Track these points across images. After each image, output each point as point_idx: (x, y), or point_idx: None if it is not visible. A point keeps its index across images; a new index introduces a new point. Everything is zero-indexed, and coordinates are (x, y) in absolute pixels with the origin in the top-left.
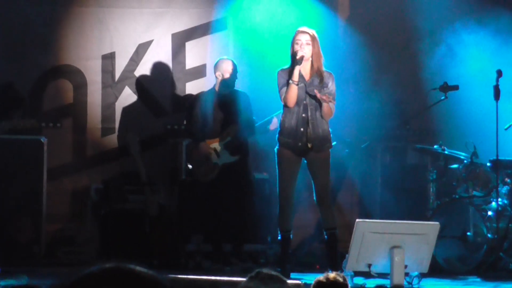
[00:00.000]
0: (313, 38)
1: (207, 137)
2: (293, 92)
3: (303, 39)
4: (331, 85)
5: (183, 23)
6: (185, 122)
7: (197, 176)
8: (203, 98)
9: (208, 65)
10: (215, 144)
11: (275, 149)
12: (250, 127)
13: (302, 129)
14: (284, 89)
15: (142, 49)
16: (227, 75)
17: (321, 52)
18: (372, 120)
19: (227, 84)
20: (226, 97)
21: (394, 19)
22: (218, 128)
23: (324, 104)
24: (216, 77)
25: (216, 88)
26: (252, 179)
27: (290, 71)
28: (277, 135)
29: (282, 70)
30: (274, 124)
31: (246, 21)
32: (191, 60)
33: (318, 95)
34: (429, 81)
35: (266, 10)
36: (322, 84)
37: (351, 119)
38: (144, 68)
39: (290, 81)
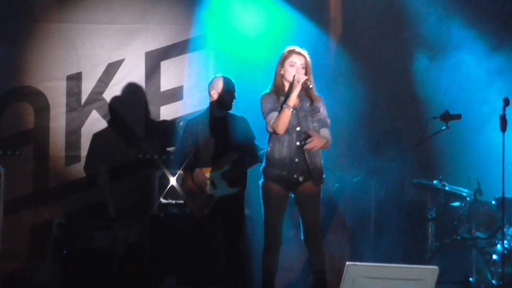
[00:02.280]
0: (307, 61)
1: (204, 166)
2: (286, 118)
3: (298, 61)
4: (322, 110)
5: (158, 41)
6: (173, 149)
7: (190, 210)
8: (195, 121)
9: (185, 87)
10: (211, 173)
11: (260, 183)
12: (251, 154)
13: (297, 159)
14: (273, 114)
15: (112, 69)
16: (224, 95)
17: (311, 77)
18: (365, 151)
19: (224, 106)
20: (222, 121)
21: (390, 38)
22: (213, 155)
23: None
24: (210, 96)
25: (211, 110)
26: (245, 216)
27: (286, 96)
28: (262, 167)
29: (267, 94)
30: None
31: (228, 39)
32: (167, 81)
33: (312, 144)
34: (429, 108)
35: (250, 27)
36: (312, 107)
37: (341, 149)
38: (114, 90)
39: (285, 106)
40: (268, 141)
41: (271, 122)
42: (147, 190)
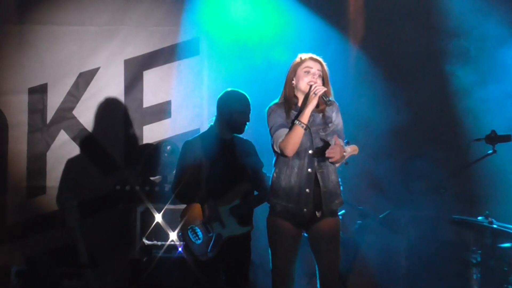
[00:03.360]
0: (324, 69)
1: (202, 199)
2: (298, 137)
3: (314, 67)
4: (336, 117)
5: (140, 46)
6: (158, 178)
7: (195, 252)
8: (197, 143)
9: (173, 103)
10: (220, 209)
11: (267, 220)
12: (261, 186)
13: (307, 190)
14: (282, 131)
15: (84, 80)
16: (237, 115)
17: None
18: (394, 180)
19: (235, 128)
20: (230, 145)
21: (422, 42)
22: (221, 186)
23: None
24: (220, 115)
25: (218, 131)
26: (252, 261)
27: (299, 110)
28: (269, 199)
29: (276, 105)
30: None
31: (226, 44)
32: (151, 95)
33: (333, 152)
34: (471, 128)
35: (255, 31)
36: (325, 119)
37: (364, 178)
38: (87, 106)
39: (297, 122)
40: (274, 165)
41: (279, 141)
42: (126, 229)
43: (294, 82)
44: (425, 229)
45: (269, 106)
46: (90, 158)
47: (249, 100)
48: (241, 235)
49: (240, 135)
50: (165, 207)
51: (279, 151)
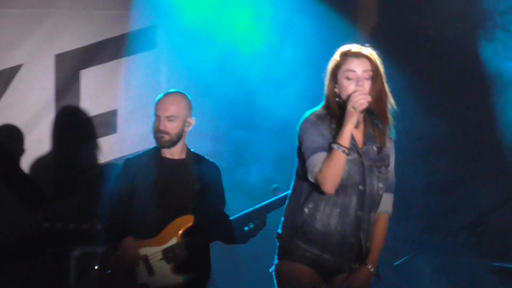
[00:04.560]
0: (377, 66)
1: (138, 236)
2: (340, 165)
3: (360, 68)
4: (393, 160)
5: (76, 36)
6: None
7: None
8: (137, 161)
9: (121, 113)
10: (149, 249)
11: (277, 265)
12: (216, 225)
13: (353, 239)
14: (320, 156)
15: (0, 81)
16: (170, 124)
17: (387, 89)
18: (415, 215)
19: (170, 141)
20: (176, 165)
21: (452, 30)
22: (155, 221)
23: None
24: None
25: (162, 151)
26: None
27: (336, 127)
28: (281, 235)
29: (317, 115)
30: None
31: (191, 34)
32: (91, 103)
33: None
34: None
35: (227, 13)
36: (381, 154)
37: None
38: (3, 116)
39: (335, 146)
40: (298, 198)
41: (315, 170)
42: (58, 278)
43: (337, 90)
44: (457, 281)
45: (306, 115)
46: (9, 187)
47: (184, 101)
48: (182, 284)
49: (203, 156)
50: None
51: (315, 182)
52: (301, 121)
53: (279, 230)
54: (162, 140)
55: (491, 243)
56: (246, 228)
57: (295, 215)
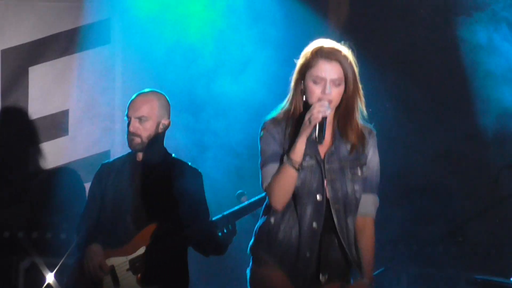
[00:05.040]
0: (349, 69)
1: (108, 246)
2: (289, 182)
3: (329, 73)
4: (372, 157)
5: (24, 30)
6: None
7: None
8: (111, 166)
9: (73, 113)
10: (116, 260)
11: (249, 271)
12: (200, 224)
13: (308, 253)
14: (269, 168)
15: None
16: (141, 126)
17: (360, 93)
18: (391, 223)
19: (141, 144)
20: (153, 171)
21: (421, 24)
22: (124, 229)
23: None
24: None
25: (137, 155)
26: None
27: (291, 137)
28: (251, 244)
29: (272, 121)
30: None
31: (148, 28)
32: (40, 102)
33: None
34: (502, 148)
35: (188, 4)
36: (354, 153)
37: None
38: None
39: (287, 160)
40: (269, 207)
41: (264, 184)
42: None
43: (302, 87)
44: None
45: (262, 122)
46: None
47: (149, 101)
48: None
49: (182, 160)
50: (61, 263)
51: (266, 194)
52: (260, 125)
53: (252, 239)
54: (133, 143)
55: (471, 253)
56: (220, 234)
57: (263, 223)
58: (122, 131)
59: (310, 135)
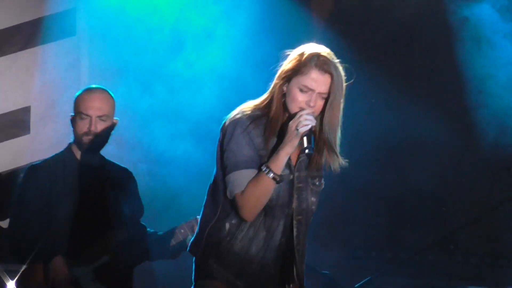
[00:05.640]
0: (336, 86)
1: (63, 254)
2: (265, 193)
3: (319, 86)
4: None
5: None
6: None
7: None
8: (46, 168)
9: (35, 110)
10: (79, 270)
11: (193, 281)
12: (138, 240)
13: (273, 270)
14: (245, 174)
15: None
16: (101, 125)
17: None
18: (377, 230)
19: (98, 144)
20: (97, 173)
21: (411, 14)
22: (80, 236)
23: None
24: (74, 129)
25: (76, 153)
26: None
27: (268, 141)
28: (197, 255)
29: (250, 118)
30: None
31: (117, 20)
32: (0, 98)
33: None
34: (499, 148)
35: None
36: (318, 166)
37: (330, 224)
38: None
39: (265, 169)
40: (216, 209)
41: (235, 191)
42: None
43: (285, 88)
44: None
45: (234, 116)
46: None
47: (107, 98)
48: None
49: (116, 162)
50: (22, 270)
51: (233, 201)
52: (231, 118)
53: (194, 236)
54: (91, 144)
55: (463, 262)
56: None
57: (212, 229)
58: None
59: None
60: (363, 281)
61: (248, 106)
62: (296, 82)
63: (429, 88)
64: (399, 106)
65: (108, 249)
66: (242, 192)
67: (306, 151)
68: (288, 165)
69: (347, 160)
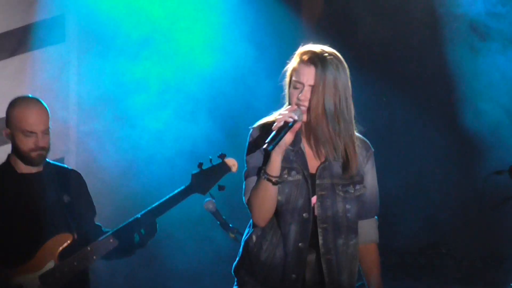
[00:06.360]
0: (322, 77)
1: (7, 264)
2: (268, 198)
3: (305, 77)
4: (371, 178)
5: None
6: None
7: None
8: None
9: None
10: (23, 277)
11: None
12: (92, 236)
13: (294, 275)
14: (251, 181)
15: None
16: (46, 138)
17: (350, 101)
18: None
19: (45, 157)
20: (34, 181)
21: (406, 21)
22: (28, 243)
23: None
24: (16, 144)
25: (13, 163)
26: None
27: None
28: (235, 265)
29: (260, 128)
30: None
31: (106, 26)
32: None
33: None
34: (488, 154)
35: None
36: (349, 170)
37: None
38: None
39: (263, 175)
40: (252, 224)
41: (245, 198)
42: None
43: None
44: None
45: (251, 127)
46: None
47: (45, 105)
48: None
49: (60, 164)
50: None
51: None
52: (247, 138)
53: (237, 256)
54: (41, 159)
55: (456, 265)
56: (137, 237)
57: (248, 239)
58: (77, 137)
59: (294, 146)
60: (356, 285)
61: (269, 116)
62: (293, 80)
63: (421, 91)
64: (391, 108)
65: (54, 254)
66: (248, 198)
67: (265, 145)
68: (302, 170)
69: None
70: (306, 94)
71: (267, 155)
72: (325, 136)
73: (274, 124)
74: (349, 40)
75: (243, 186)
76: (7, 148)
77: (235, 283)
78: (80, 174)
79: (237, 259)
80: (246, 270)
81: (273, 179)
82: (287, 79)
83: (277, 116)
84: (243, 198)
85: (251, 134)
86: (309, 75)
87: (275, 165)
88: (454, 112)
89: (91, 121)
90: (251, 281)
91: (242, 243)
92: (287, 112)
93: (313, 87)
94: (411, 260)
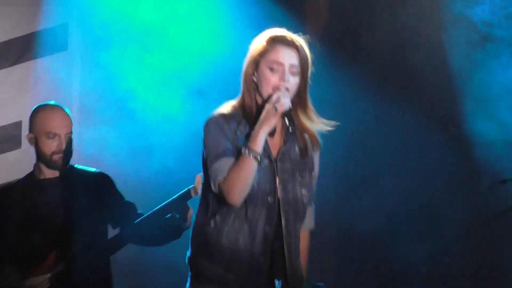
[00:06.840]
0: (305, 59)
1: (26, 267)
2: (249, 174)
3: (288, 60)
4: (317, 165)
5: None
6: None
7: None
8: (13, 192)
9: (26, 124)
10: (35, 280)
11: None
12: (125, 219)
13: (262, 258)
14: (224, 163)
15: None
16: (60, 134)
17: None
18: (372, 244)
19: (68, 160)
20: (55, 186)
21: (408, 30)
22: (44, 249)
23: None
24: (39, 148)
25: (36, 172)
26: None
27: (249, 129)
28: (188, 256)
29: (222, 116)
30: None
31: (109, 34)
32: None
33: None
34: (491, 163)
35: (150, 10)
36: (305, 159)
37: (324, 242)
38: None
39: (245, 150)
40: (206, 209)
41: (219, 179)
42: None
43: (255, 79)
44: None
45: (209, 116)
46: None
47: (69, 112)
48: None
49: (86, 168)
50: None
51: (218, 192)
52: (205, 121)
53: (188, 250)
54: (63, 162)
55: (460, 275)
56: (168, 216)
57: (202, 229)
58: (79, 144)
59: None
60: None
61: (223, 105)
62: (265, 62)
63: (422, 99)
64: (392, 119)
65: (64, 257)
66: (225, 178)
67: (290, 129)
68: (268, 154)
69: (335, 122)
70: (290, 79)
71: (247, 133)
72: (307, 118)
73: (277, 105)
74: (352, 51)
75: (211, 171)
76: (8, 155)
77: (190, 276)
78: (107, 175)
79: (191, 249)
80: (204, 260)
81: (258, 156)
82: (249, 65)
83: (280, 97)
84: (214, 182)
85: (212, 121)
86: (290, 56)
87: (261, 142)
88: (458, 119)
89: (94, 128)
90: (211, 266)
91: (193, 232)
92: (285, 93)
93: (296, 74)
94: (414, 269)
